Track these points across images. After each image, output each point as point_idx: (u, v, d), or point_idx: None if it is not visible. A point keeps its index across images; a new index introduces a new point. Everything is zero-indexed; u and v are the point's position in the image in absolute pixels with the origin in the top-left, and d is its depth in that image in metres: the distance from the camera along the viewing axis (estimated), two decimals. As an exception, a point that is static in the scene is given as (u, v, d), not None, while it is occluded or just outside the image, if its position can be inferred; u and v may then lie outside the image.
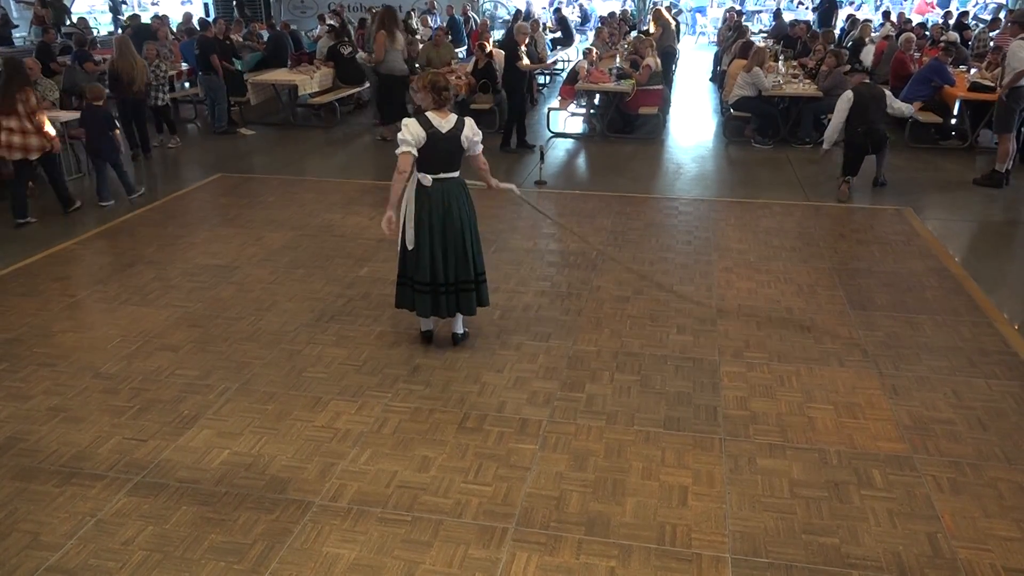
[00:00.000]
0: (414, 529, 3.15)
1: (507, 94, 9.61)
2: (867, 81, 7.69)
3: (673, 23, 13.52)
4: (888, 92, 7.81)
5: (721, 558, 3.00)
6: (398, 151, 4.11)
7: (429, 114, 4.15)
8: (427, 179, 4.20)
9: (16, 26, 16.09)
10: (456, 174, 4.29)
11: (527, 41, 9.64)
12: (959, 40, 12.53)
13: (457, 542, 3.08)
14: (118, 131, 7.62)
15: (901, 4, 22.19)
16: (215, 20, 11.75)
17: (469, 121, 4.24)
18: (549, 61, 14.00)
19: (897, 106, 7.80)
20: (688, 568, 2.95)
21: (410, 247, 4.29)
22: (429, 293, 4.36)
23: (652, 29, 12.84)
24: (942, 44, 10.60)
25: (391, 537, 3.11)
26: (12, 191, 6.94)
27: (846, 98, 7.56)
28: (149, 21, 13.52)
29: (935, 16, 19.01)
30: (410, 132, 4.07)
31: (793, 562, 2.98)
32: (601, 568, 2.95)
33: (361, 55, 11.62)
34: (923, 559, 3.00)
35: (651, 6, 19.46)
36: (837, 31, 14.63)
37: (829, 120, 9.96)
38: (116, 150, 7.54)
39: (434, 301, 4.39)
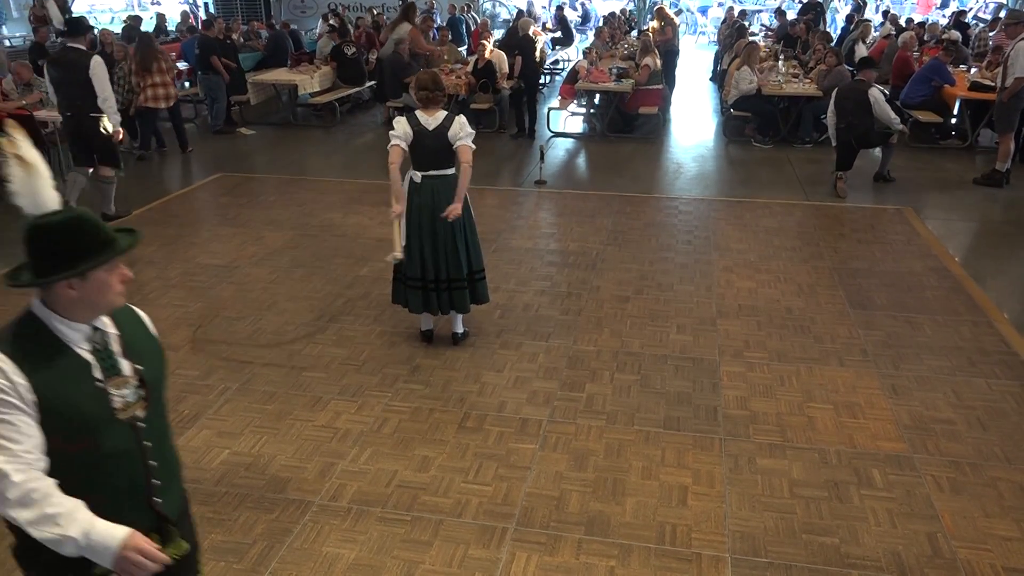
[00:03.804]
0: (414, 529, 3.16)
1: (523, 80, 10.15)
2: (859, 79, 7.69)
3: (677, 22, 13.55)
4: (879, 95, 7.48)
5: (721, 558, 3.00)
6: (389, 145, 4.23)
7: (418, 112, 4.24)
8: (417, 176, 4.29)
9: None
10: (448, 172, 4.31)
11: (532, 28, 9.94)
12: (961, 39, 12.50)
13: (457, 542, 3.08)
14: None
15: (901, 3, 22.16)
16: (209, 21, 11.73)
17: (459, 118, 4.25)
18: (549, 61, 14.06)
19: (883, 108, 7.43)
20: (688, 568, 2.95)
21: (403, 243, 4.34)
22: (419, 289, 4.43)
23: (656, 26, 12.83)
24: (943, 43, 10.58)
25: (391, 537, 3.11)
26: (145, 132, 9.26)
27: (832, 95, 7.80)
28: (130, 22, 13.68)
29: (935, 15, 18.99)
30: (399, 128, 4.19)
31: (793, 562, 2.98)
32: (601, 568, 2.95)
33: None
34: (923, 559, 3.00)
35: (651, 5, 19.46)
36: (838, 31, 14.60)
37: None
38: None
39: (425, 297, 4.46)
